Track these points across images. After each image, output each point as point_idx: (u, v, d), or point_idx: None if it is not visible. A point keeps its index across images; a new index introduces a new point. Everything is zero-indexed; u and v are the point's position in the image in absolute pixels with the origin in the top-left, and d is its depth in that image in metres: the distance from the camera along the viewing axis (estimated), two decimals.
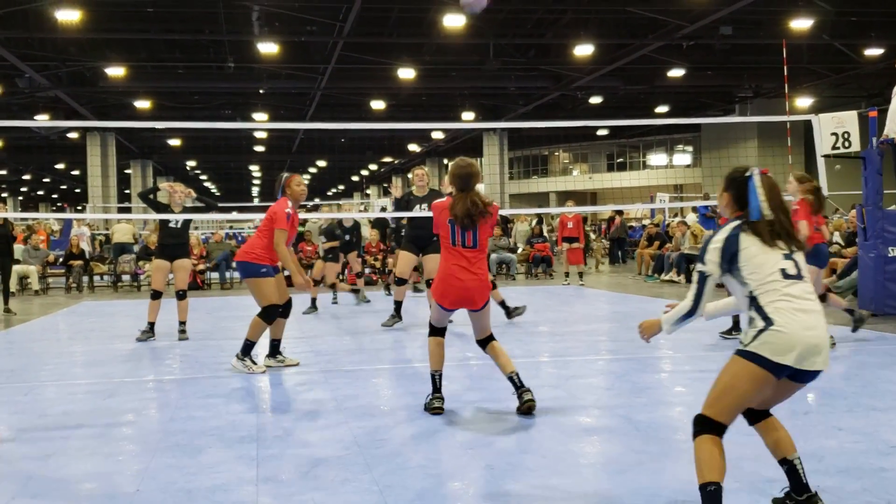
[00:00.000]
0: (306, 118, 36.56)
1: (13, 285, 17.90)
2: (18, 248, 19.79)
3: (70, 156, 48.34)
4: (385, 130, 41.96)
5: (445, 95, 35.92)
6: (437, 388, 6.37)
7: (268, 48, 25.88)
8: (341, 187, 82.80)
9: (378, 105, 35.21)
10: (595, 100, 36.29)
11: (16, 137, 43.77)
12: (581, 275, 20.08)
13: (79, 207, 42.56)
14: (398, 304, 11.79)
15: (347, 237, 15.35)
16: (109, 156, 39.38)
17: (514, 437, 5.62)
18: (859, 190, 13.30)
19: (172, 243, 11.09)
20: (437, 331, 6.47)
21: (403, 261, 11.42)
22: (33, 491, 4.66)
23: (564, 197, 44.93)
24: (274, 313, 8.27)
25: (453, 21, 23.70)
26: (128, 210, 39.21)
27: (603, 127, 45.54)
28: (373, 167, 63.70)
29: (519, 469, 4.89)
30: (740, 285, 3.80)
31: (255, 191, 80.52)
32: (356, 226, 15.75)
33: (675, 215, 28.91)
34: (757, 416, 3.98)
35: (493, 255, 22.37)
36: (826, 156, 12.70)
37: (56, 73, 29.41)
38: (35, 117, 33.86)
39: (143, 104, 33.82)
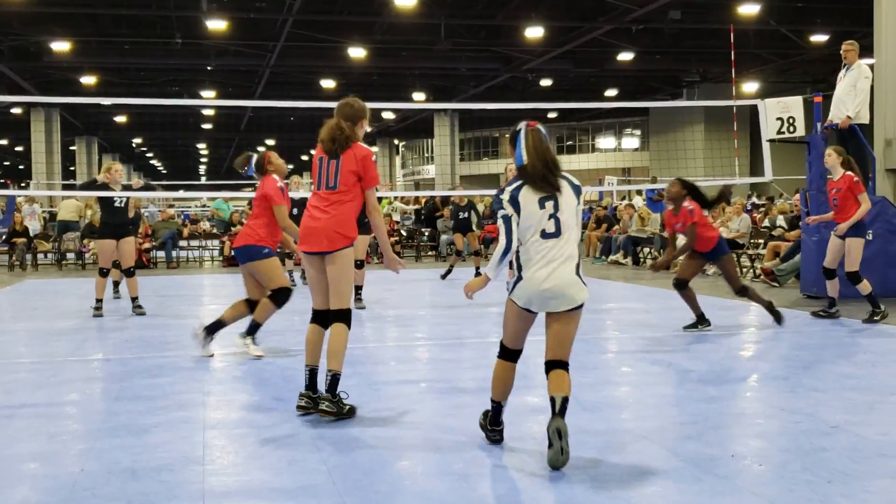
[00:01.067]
0: (255, 96, 36.20)
1: None
2: None
3: (13, 132, 47.41)
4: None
5: (396, 75, 35.79)
6: (307, 385, 5.74)
7: (216, 24, 25.55)
8: (291, 166, 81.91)
9: (328, 84, 34.99)
10: (545, 82, 36.43)
11: None
12: None
13: (22, 184, 41.84)
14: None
15: (296, 211, 15.05)
16: (54, 132, 38.71)
17: (462, 417, 5.64)
18: (803, 174, 13.50)
19: (116, 222, 11.03)
20: (314, 315, 5.83)
21: None
22: None
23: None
24: (286, 296, 7.91)
25: (404, 0, 23.59)
26: (72, 187, 38.56)
27: (553, 110, 45.70)
28: None
29: (467, 448, 4.92)
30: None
31: (202, 169, 79.69)
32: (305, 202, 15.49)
33: (623, 198, 29.15)
34: (549, 366, 4.68)
35: (444, 237, 22.40)
36: (771, 140, 12.87)
37: None
38: None
39: (88, 80, 33.24)
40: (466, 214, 16.70)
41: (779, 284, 14.05)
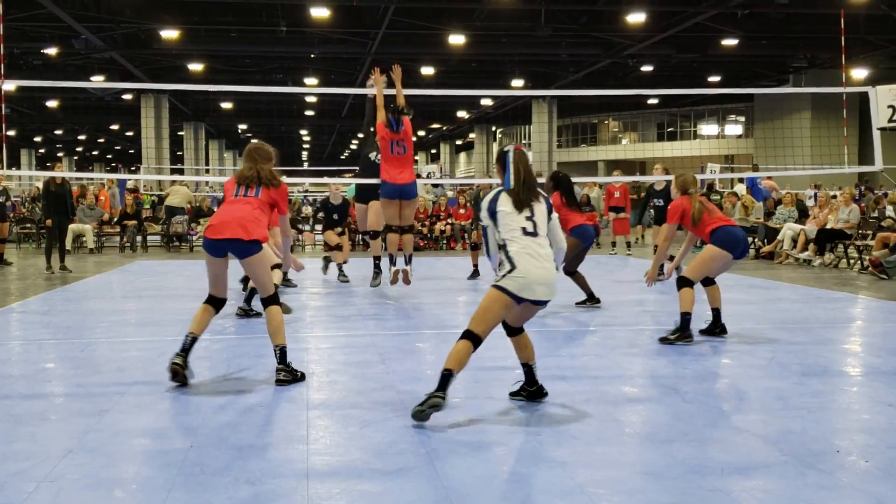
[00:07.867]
0: (357, 83, 36.57)
1: (69, 243, 18.29)
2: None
3: (124, 117, 48.87)
4: (434, 97, 41.75)
5: (495, 62, 35.70)
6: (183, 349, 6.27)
7: (319, 12, 25.91)
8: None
9: (428, 71, 35.11)
10: (646, 68, 35.89)
11: (72, 98, 44.32)
12: (628, 244, 20.00)
13: (132, 168, 43.08)
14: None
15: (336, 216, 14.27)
16: (163, 118, 39.78)
17: (559, 399, 5.65)
18: None
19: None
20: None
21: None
22: (90, 446, 4.78)
23: (613, 166, 44.60)
24: None
25: None
26: (180, 172, 39.64)
27: (654, 96, 45.01)
28: (421, 133, 63.62)
29: (565, 433, 4.93)
30: (498, 234, 5.34)
31: (304, 155, 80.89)
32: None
33: (725, 186, 28.57)
34: (513, 332, 5.53)
35: None
36: (882, 128, 12.50)
37: (111, 35, 29.68)
38: (90, 78, 34.28)
39: (196, 67, 34.05)
40: None
41: (888, 276, 13.65)
